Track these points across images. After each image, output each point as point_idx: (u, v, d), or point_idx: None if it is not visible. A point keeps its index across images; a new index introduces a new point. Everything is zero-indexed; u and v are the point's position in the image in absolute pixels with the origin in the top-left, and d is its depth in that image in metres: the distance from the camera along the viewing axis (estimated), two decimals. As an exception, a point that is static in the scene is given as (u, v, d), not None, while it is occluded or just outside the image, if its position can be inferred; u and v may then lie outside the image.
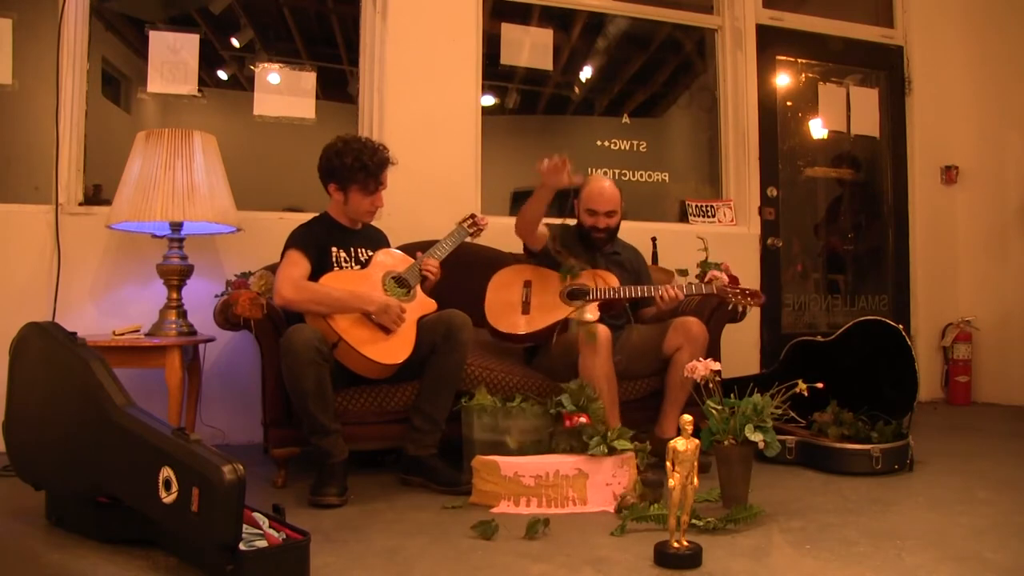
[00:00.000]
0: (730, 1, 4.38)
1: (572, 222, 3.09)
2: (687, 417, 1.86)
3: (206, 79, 3.63)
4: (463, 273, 3.04)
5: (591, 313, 2.73)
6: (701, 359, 2.37)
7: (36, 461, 2.07)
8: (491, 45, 3.95)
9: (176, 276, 2.95)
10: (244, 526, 1.69)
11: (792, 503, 2.34)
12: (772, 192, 4.40)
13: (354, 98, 3.75)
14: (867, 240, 4.78)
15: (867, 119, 4.68)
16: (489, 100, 4.06)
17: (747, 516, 2.10)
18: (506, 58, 4.03)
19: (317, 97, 3.69)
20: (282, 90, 3.68)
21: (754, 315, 4.16)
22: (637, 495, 2.25)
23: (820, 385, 2.38)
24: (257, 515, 1.82)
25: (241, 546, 1.63)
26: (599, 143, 4.30)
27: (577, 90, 4.56)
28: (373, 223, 2.85)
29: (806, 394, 2.36)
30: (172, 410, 2.68)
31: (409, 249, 2.89)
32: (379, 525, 2.13)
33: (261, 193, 3.65)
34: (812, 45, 4.60)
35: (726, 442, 2.28)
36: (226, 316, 2.56)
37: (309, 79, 3.70)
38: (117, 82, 3.66)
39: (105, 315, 3.18)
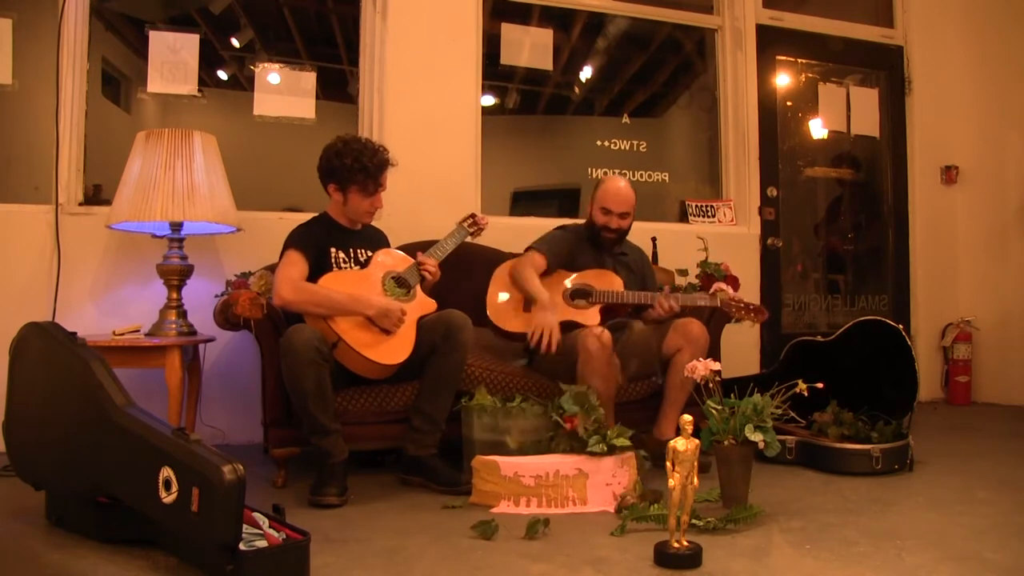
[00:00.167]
0: (730, 1, 4.38)
1: (581, 222, 3.08)
2: (687, 417, 1.86)
3: (206, 79, 3.63)
4: (463, 273, 3.04)
5: (592, 319, 2.74)
6: (701, 359, 2.37)
7: (36, 461, 2.07)
8: (491, 45, 3.95)
9: (176, 276, 2.95)
10: (244, 526, 1.69)
11: (792, 503, 2.34)
12: (772, 192, 4.40)
13: (354, 98, 3.75)
14: (867, 240, 4.78)
15: (867, 119, 4.68)
16: (489, 100, 4.06)
17: (747, 516, 2.10)
18: (506, 58, 4.02)
19: (317, 97, 3.69)
20: (282, 90, 3.67)
21: (754, 315, 4.16)
22: (637, 495, 2.25)
23: (820, 385, 2.37)
24: (257, 515, 1.82)
25: (241, 546, 1.63)
26: (599, 143, 4.30)
27: (577, 90, 4.56)
28: (373, 223, 2.85)
29: (806, 394, 2.35)
30: (172, 410, 2.68)
31: (409, 249, 2.88)
32: (379, 525, 2.13)
33: (261, 193, 3.65)
34: (812, 45, 4.60)
35: (726, 442, 2.28)
36: (226, 316, 2.56)
37: (309, 79, 3.70)
38: (117, 82, 3.66)
39: (105, 315, 3.18)
